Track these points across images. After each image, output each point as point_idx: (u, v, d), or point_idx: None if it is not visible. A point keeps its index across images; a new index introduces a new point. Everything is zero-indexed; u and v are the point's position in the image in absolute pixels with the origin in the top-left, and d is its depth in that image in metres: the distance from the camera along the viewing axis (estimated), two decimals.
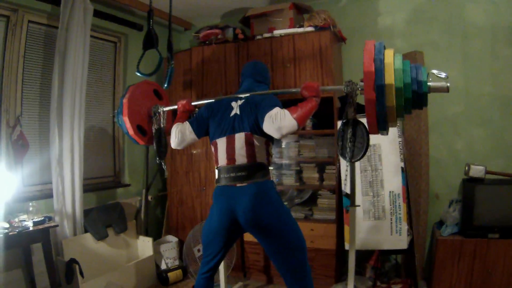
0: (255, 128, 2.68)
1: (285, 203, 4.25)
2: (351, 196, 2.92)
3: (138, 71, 3.49)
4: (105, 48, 4.70)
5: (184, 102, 3.14)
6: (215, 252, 2.81)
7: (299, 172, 4.30)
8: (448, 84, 2.35)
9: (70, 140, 3.82)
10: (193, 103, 3.15)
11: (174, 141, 2.94)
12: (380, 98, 2.30)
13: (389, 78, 2.28)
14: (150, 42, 3.57)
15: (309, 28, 4.17)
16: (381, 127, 2.45)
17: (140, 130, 3.31)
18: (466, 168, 3.64)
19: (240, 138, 2.70)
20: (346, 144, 2.61)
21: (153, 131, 3.32)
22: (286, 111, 2.51)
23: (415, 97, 2.36)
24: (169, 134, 3.03)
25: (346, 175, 3.05)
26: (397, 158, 3.73)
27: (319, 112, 4.36)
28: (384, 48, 2.43)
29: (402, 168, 3.72)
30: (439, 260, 3.68)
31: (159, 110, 3.31)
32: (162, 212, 5.30)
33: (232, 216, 2.66)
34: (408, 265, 3.94)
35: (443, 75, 2.38)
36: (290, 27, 4.31)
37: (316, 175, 4.23)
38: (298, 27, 4.27)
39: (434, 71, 2.39)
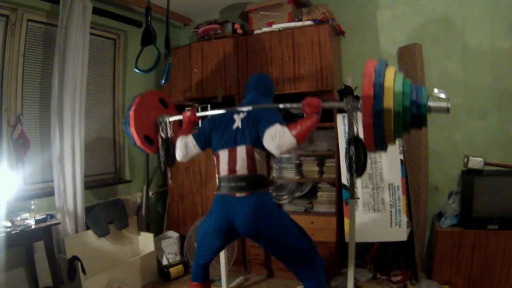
0: (256, 142, 2.71)
1: (285, 197, 4.28)
2: (351, 189, 2.95)
3: (137, 68, 3.51)
4: (104, 45, 4.70)
5: (189, 113, 3.21)
6: (209, 253, 2.96)
7: (299, 166, 4.31)
8: (449, 105, 2.32)
9: (70, 137, 3.84)
10: (197, 114, 3.21)
11: (179, 155, 3.02)
12: (378, 123, 2.28)
13: (388, 102, 2.25)
14: (148, 38, 3.57)
15: (308, 22, 4.16)
16: (379, 148, 2.45)
17: (147, 139, 3.37)
18: (465, 160, 3.65)
19: (241, 151, 2.75)
20: (352, 163, 2.63)
21: (160, 141, 3.36)
22: (285, 129, 2.51)
23: (414, 119, 2.34)
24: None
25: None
26: (396, 151, 3.74)
27: None
28: (386, 66, 2.40)
29: (401, 160, 3.74)
30: (438, 251, 3.70)
31: (165, 120, 3.35)
32: (163, 207, 5.32)
33: (229, 224, 2.72)
34: (408, 257, 3.97)
35: (443, 95, 2.36)
36: (289, 21, 4.31)
37: (316, 168, 4.24)
38: (297, 21, 4.26)
39: (435, 91, 2.37)
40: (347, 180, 3.44)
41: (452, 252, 3.65)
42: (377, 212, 3.81)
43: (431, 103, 2.35)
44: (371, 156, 3.82)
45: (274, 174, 4.31)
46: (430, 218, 4.17)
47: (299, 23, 4.21)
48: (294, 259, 2.76)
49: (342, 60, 4.62)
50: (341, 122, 3.91)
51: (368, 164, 3.81)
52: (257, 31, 4.46)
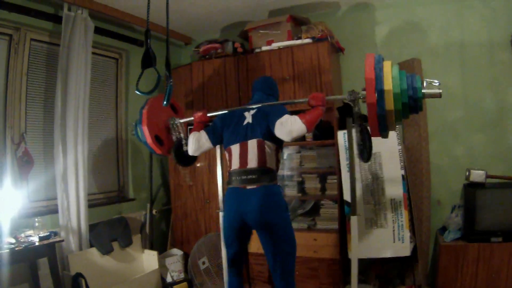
0: (267, 135, 2.88)
1: (289, 213, 4.27)
2: (352, 205, 3.01)
3: (138, 90, 3.55)
4: (106, 64, 4.77)
5: (200, 113, 3.32)
6: (231, 243, 3.08)
7: (301, 183, 4.33)
8: (441, 91, 2.52)
9: (74, 156, 3.88)
10: (208, 114, 3.32)
11: (191, 148, 3.17)
12: (380, 102, 2.47)
13: (388, 84, 2.46)
14: (148, 61, 3.64)
15: (307, 40, 4.22)
16: (382, 129, 2.62)
17: (158, 140, 3.44)
18: (467, 173, 3.65)
19: (252, 144, 2.91)
20: (358, 147, 2.86)
21: (174, 139, 3.46)
22: (295, 116, 2.71)
23: (411, 101, 2.53)
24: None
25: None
26: (397, 166, 3.76)
27: (320, 124, 4.45)
28: (383, 60, 2.61)
29: (402, 175, 3.74)
30: (442, 266, 3.68)
31: (176, 122, 3.45)
32: (166, 225, 5.32)
33: (240, 216, 2.89)
34: (412, 272, 3.93)
35: (436, 82, 2.56)
36: (288, 39, 4.37)
37: (318, 185, 4.26)
38: (296, 39, 4.32)
39: (428, 80, 2.57)
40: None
41: (456, 266, 3.62)
42: (380, 228, 3.80)
43: (425, 90, 2.55)
44: (373, 172, 3.83)
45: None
46: (433, 232, 4.14)
47: (298, 41, 4.27)
48: (285, 259, 2.88)
49: (342, 77, 4.65)
50: (342, 139, 3.93)
51: (370, 180, 3.83)
52: (257, 50, 4.52)
